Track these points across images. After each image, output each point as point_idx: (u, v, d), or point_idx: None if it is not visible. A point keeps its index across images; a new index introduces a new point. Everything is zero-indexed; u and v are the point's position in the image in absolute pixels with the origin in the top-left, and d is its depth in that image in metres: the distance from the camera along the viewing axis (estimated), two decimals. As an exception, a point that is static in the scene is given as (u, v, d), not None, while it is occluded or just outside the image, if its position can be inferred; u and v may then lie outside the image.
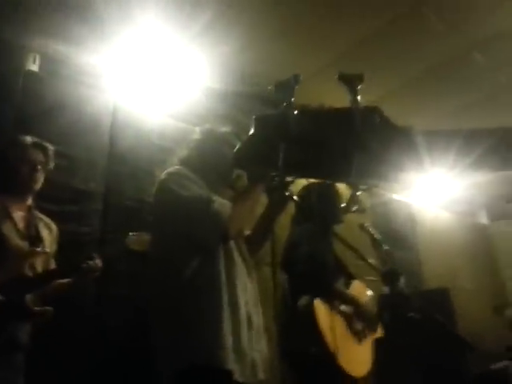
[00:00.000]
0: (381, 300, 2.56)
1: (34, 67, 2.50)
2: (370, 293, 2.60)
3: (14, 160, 1.86)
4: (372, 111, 0.68)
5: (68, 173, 2.39)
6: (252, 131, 0.72)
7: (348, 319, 2.29)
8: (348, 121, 0.68)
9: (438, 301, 3.66)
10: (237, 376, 1.42)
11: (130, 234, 1.94)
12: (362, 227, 2.50)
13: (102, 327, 2.28)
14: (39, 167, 1.88)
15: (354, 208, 0.91)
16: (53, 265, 1.92)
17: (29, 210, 1.88)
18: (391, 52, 3.19)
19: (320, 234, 2.36)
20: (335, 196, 2.45)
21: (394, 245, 3.99)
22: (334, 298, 2.25)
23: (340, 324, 2.22)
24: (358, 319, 2.33)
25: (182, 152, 1.78)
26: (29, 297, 1.66)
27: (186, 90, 3.10)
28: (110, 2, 2.54)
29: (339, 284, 2.40)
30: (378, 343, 2.49)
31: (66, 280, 1.82)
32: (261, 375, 1.54)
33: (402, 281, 2.10)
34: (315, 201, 2.13)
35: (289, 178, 1.39)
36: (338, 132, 0.68)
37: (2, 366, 1.62)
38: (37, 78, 2.48)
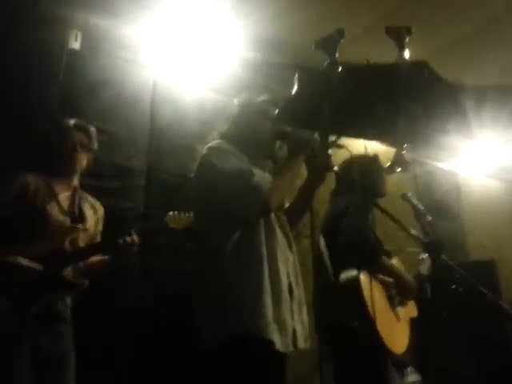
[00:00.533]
0: (425, 277, 2.51)
1: (76, 45, 2.54)
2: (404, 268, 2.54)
3: (55, 143, 1.92)
4: (420, 66, 0.64)
5: (110, 149, 2.44)
6: (295, 89, 0.69)
7: (390, 294, 2.26)
8: (395, 76, 0.64)
9: (483, 273, 3.55)
10: (278, 346, 1.45)
11: (170, 213, 1.98)
12: (404, 197, 2.44)
13: (146, 301, 2.37)
14: (80, 148, 1.94)
15: (399, 169, 0.88)
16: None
17: (74, 190, 1.95)
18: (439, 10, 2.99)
19: (363, 207, 2.30)
20: (377, 170, 2.39)
21: (438, 215, 3.89)
22: (379, 271, 2.22)
23: (382, 299, 2.20)
24: (399, 294, 2.30)
25: (222, 126, 1.78)
26: (67, 270, 1.74)
27: (223, 62, 3.07)
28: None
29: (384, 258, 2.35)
30: (419, 316, 2.46)
31: (104, 256, 1.90)
32: (301, 344, 1.56)
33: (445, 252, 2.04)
34: (357, 174, 2.08)
35: (332, 139, 1.36)
36: (384, 89, 0.65)
37: (44, 335, 1.70)
38: (79, 56, 2.52)
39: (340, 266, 2.19)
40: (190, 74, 2.98)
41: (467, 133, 0.64)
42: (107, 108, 2.50)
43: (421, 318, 2.45)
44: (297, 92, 0.68)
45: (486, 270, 3.65)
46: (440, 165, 4.69)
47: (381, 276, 2.22)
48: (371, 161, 2.35)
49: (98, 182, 2.21)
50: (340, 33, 0.69)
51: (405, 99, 0.63)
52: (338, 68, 0.66)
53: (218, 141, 1.69)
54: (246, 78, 3.06)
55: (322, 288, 2.31)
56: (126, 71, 2.67)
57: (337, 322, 2.13)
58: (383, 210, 2.42)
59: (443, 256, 1.98)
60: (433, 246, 2.00)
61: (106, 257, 1.90)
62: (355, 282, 2.09)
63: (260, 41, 3.15)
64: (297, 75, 0.69)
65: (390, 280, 2.25)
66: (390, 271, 2.26)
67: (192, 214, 1.89)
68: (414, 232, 2.35)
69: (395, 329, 2.24)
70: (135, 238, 1.84)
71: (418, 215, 2.41)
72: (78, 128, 1.97)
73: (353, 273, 2.11)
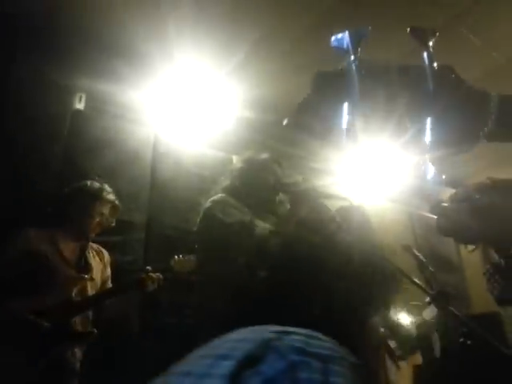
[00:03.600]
0: (429, 324, 2.45)
1: (80, 106, 2.64)
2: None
3: (90, 211, 1.98)
4: (446, 70, 0.63)
5: (114, 205, 2.46)
6: (310, 89, 0.67)
7: (388, 346, 2.20)
8: (419, 78, 0.62)
9: (489, 325, 3.47)
10: None
11: (175, 256, 1.99)
12: (405, 248, 2.43)
13: (146, 355, 2.29)
14: (104, 221, 2.01)
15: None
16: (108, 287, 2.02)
17: (81, 244, 1.98)
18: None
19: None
20: (365, 220, 2.41)
21: (439, 267, 3.87)
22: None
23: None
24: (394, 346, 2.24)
25: (225, 181, 1.83)
26: (75, 320, 1.74)
27: (220, 121, 3.19)
28: (151, 41, 2.69)
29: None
30: (427, 368, 2.37)
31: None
32: None
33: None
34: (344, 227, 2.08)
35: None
36: (409, 90, 0.62)
37: None
38: (83, 116, 2.62)
39: None
40: (189, 133, 3.08)
41: (493, 137, 0.63)
42: (109, 165, 2.56)
43: (429, 372, 2.36)
44: (311, 92, 0.67)
45: (491, 323, 3.57)
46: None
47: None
48: (360, 212, 2.37)
49: (98, 236, 2.20)
50: (362, 32, 0.67)
51: (431, 100, 0.61)
52: (357, 67, 0.63)
53: (220, 194, 1.73)
54: (243, 136, 3.17)
55: None
56: (128, 130, 2.77)
57: None
58: (391, 264, 2.39)
59: (451, 308, 1.94)
60: (440, 297, 1.96)
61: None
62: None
63: (256, 102, 3.31)
64: (314, 74, 0.66)
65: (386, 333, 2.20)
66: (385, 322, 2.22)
67: (195, 258, 1.89)
68: (420, 283, 2.32)
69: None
70: (158, 274, 1.90)
71: (421, 267, 2.39)
72: (113, 205, 2.04)
73: None
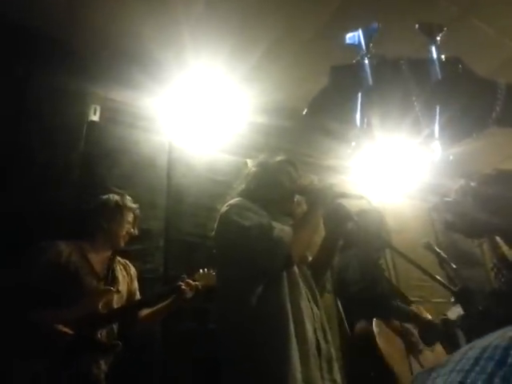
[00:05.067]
0: (453, 321, 2.41)
1: (95, 117, 2.69)
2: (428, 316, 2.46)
3: (123, 220, 2.06)
4: (454, 61, 0.64)
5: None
6: (327, 83, 0.68)
7: (410, 341, 2.18)
8: (428, 71, 0.63)
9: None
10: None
11: (200, 270, 2.02)
12: (426, 245, 2.41)
13: (168, 367, 2.30)
14: (131, 230, 2.08)
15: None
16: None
17: (109, 257, 2.03)
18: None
19: (365, 259, 2.30)
20: (379, 219, 2.40)
21: (462, 263, 3.79)
22: (391, 316, 2.15)
23: (400, 344, 2.12)
24: (422, 338, 2.22)
25: (241, 185, 1.82)
26: (101, 332, 1.76)
27: (233, 126, 3.21)
28: (165, 48, 2.72)
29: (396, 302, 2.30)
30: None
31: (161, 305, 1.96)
32: None
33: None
34: (360, 225, 2.08)
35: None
36: (418, 83, 0.63)
37: None
38: (98, 127, 2.66)
39: (354, 317, 2.15)
40: (203, 138, 3.10)
41: (503, 124, 0.63)
42: (126, 174, 2.59)
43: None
44: (327, 86, 0.68)
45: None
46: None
47: (396, 323, 2.15)
48: (374, 211, 2.36)
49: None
50: (374, 28, 0.68)
51: (440, 93, 0.62)
52: (371, 60, 0.65)
53: (237, 198, 1.72)
54: (255, 139, 3.19)
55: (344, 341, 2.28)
56: (143, 138, 2.79)
57: (356, 373, 2.05)
58: (411, 261, 2.35)
59: (476, 304, 1.90)
60: (463, 294, 1.93)
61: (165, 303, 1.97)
62: (367, 331, 2.04)
63: (268, 107, 3.32)
64: (330, 68, 0.67)
65: (407, 326, 2.18)
66: (405, 314, 2.20)
67: (215, 272, 1.90)
68: (442, 280, 2.29)
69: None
70: (190, 281, 1.95)
71: (442, 263, 2.35)
72: (134, 212, 2.12)
73: (365, 322, 2.07)
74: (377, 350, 1.99)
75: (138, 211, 2.16)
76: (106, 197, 2.13)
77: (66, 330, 1.64)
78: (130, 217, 2.09)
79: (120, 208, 2.07)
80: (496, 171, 1.31)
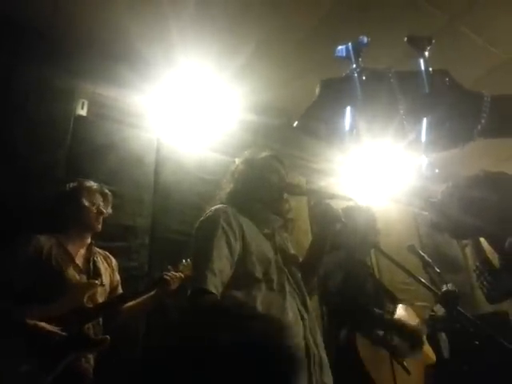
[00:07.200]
0: (437, 324, 2.44)
1: (83, 112, 2.65)
2: (416, 318, 2.47)
3: (82, 203, 2.00)
4: (442, 74, 0.65)
5: (117, 210, 2.44)
6: (317, 95, 0.69)
7: (390, 343, 2.17)
8: (416, 83, 0.65)
9: (496, 325, 3.44)
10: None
11: (184, 260, 2.02)
12: (410, 249, 2.42)
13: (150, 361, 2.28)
14: (104, 211, 2.02)
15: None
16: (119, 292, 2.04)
17: (88, 247, 1.99)
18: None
19: (351, 262, 2.28)
20: (367, 220, 2.39)
21: (445, 267, 3.85)
22: (375, 327, 2.14)
23: (384, 354, 2.09)
24: (403, 343, 2.21)
25: (228, 185, 1.76)
26: (87, 327, 1.74)
27: (223, 124, 3.19)
28: (154, 46, 2.70)
29: (381, 311, 2.28)
30: (435, 368, 2.36)
31: (146, 296, 1.94)
32: None
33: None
34: (348, 227, 2.05)
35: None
36: (406, 95, 0.65)
37: None
38: (85, 122, 2.62)
39: (338, 326, 2.14)
40: (191, 137, 3.08)
41: (489, 135, 0.66)
42: (113, 170, 2.56)
43: (436, 370, 2.34)
44: (317, 98, 0.69)
45: (500, 322, 3.54)
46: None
47: (377, 332, 2.13)
48: (362, 212, 2.36)
49: (103, 242, 2.19)
50: (363, 43, 0.70)
51: (427, 104, 0.64)
52: (360, 73, 0.66)
53: (222, 205, 1.64)
54: (244, 138, 3.17)
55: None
56: (131, 135, 2.76)
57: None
58: (397, 264, 2.35)
59: (459, 307, 1.92)
60: (448, 297, 1.94)
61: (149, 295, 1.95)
62: (350, 341, 2.01)
63: (258, 105, 3.32)
64: (320, 81, 0.69)
65: (391, 333, 2.17)
66: (386, 322, 2.18)
67: None
68: (427, 283, 2.30)
69: (404, 382, 2.13)
70: (176, 273, 1.96)
71: (426, 267, 2.37)
72: (100, 191, 2.07)
73: (347, 332, 2.05)
74: (359, 360, 1.96)
75: (105, 190, 2.11)
76: (63, 186, 2.09)
77: (52, 328, 1.62)
78: (95, 198, 2.04)
79: (79, 192, 2.02)
80: (483, 173, 1.33)
